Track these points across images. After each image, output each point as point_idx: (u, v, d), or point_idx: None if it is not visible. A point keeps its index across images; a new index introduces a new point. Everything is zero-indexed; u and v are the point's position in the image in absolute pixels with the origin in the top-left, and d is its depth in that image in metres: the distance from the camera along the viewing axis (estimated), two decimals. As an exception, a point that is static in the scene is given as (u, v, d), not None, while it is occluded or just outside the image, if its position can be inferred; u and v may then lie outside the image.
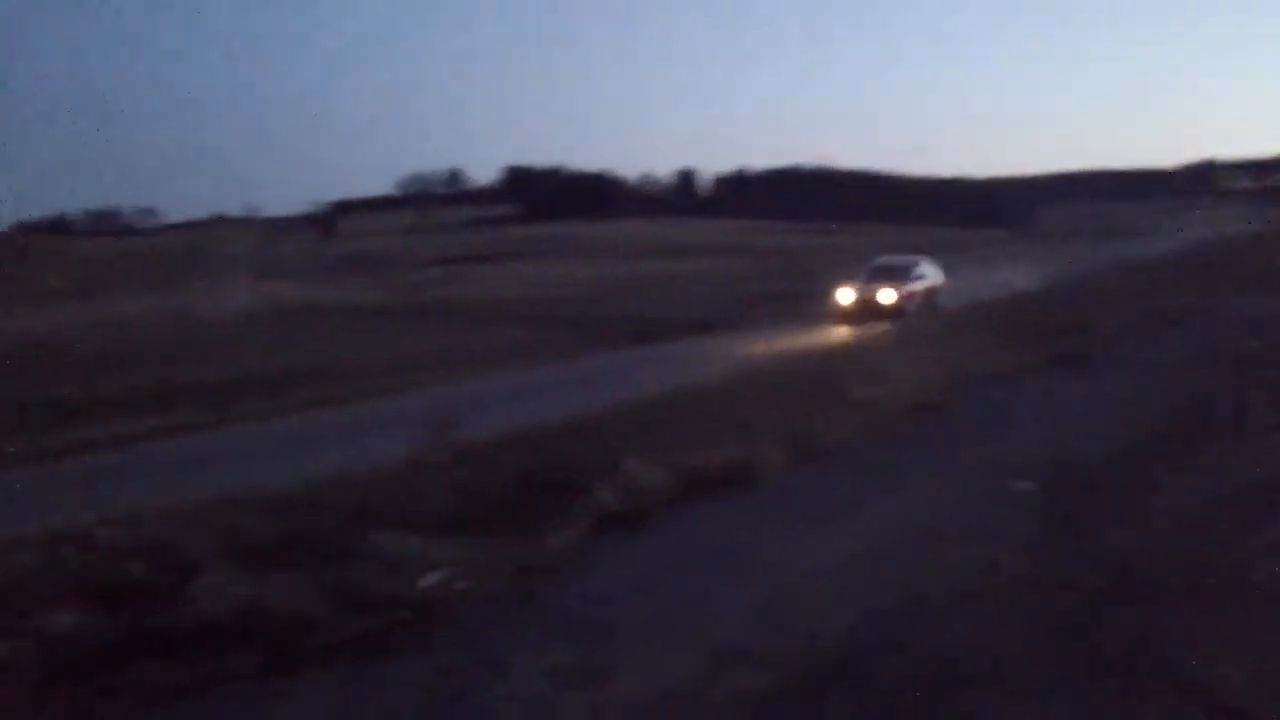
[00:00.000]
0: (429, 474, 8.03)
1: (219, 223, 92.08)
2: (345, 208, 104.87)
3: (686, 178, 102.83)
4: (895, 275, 27.13)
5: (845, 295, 26.38)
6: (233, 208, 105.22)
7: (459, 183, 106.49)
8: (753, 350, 20.47)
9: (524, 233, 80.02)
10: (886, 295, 25.80)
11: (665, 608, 5.80)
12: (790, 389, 12.28)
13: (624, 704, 4.68)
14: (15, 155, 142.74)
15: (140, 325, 32.07)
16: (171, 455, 13.34)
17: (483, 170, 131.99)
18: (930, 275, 28.27)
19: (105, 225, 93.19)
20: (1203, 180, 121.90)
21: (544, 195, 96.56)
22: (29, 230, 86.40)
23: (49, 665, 4.91)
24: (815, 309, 27.27)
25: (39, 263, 56.76)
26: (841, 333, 23.56)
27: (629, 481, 7.67)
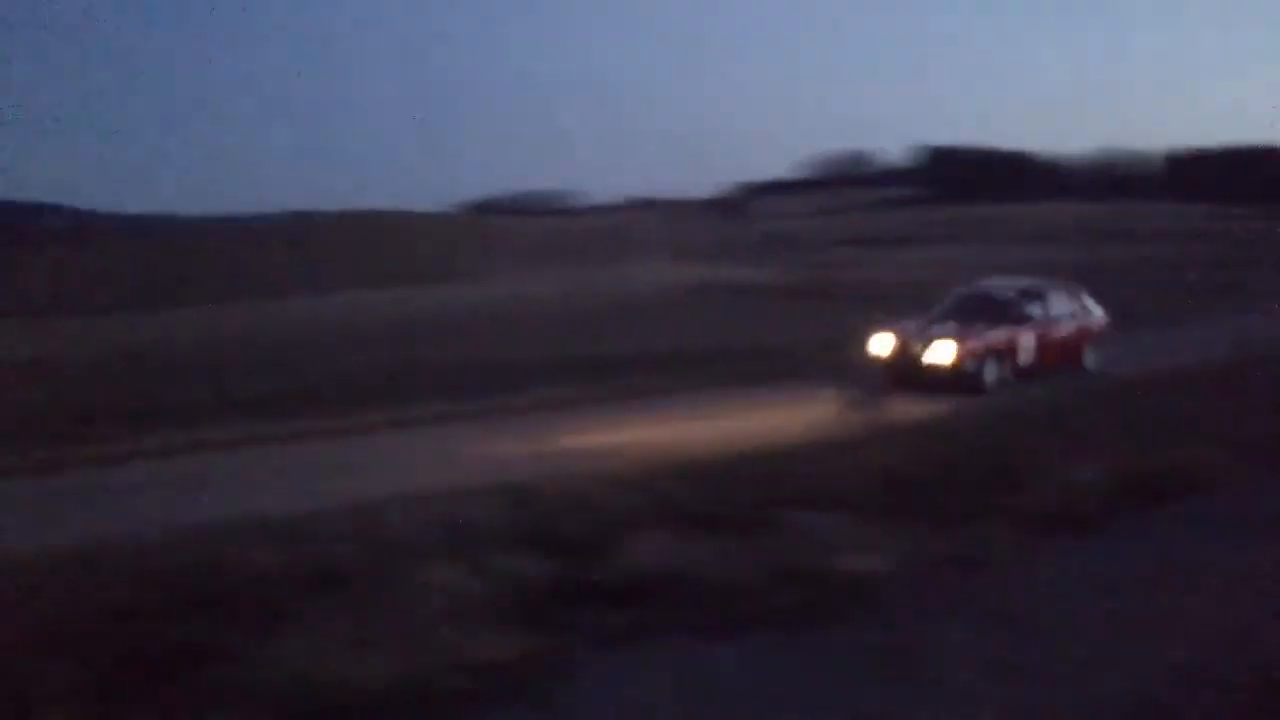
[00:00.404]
0: (850, 455, 8.03)
1: (637, 205, 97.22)
2: (754, 190, 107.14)
3: (1113, 157, 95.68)
4: (980, 314, 15.98)
5: (882, 343, 15.64)
6: (643, 191, 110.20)
7: (865, 163, 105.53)
8: (1188, 347, 18.62)
9: (936, 215, 77.80)
10: (940, 350, 15.09)
11: (1104, 615, 5.44)
12: (1235, 390, 11.17)
13: (1053, 705, 4.47)
14: (451, 142, 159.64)
15: (572, 300, 34.58)
16: (595, 419, 14.04)
17: (887, 150, 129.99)
18: (1063, 313, 16.83)
19: (533, 206, 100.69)
20: None
21: (959, 176, 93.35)
22: (470, 210, 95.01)
23: (502, 601, 5.41)
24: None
25: (474, 240, 62.32)
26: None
27: (1062, 479, 7.27)
